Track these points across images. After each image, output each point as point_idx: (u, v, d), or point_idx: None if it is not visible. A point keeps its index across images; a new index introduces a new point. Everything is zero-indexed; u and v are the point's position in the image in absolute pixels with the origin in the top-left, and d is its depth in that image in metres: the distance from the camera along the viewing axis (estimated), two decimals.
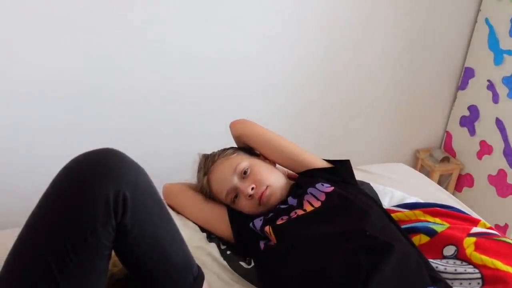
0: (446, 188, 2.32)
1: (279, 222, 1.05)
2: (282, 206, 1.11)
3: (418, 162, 2.45)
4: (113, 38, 1.65)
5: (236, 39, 1.84)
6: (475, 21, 2.18)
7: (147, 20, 1.67)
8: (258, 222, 1.10)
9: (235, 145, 1.33)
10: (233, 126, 1.30)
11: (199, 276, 0.88)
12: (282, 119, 2.07)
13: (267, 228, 1.05)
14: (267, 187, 1.14)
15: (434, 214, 1.15)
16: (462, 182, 2.38)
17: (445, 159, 2.34)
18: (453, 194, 2.25)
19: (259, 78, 1.96)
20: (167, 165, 1.72)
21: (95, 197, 0.71)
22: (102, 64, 1.67)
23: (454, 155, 2.40)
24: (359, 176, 1.34)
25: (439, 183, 2.27)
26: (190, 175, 1.31)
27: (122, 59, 1.70)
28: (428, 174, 2.31)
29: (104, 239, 0.72)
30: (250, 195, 1.13)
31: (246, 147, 1.31)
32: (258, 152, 1.29)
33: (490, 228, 1.12)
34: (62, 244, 0.70)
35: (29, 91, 1.62)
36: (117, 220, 0.73)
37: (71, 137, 1.74)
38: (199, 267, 0.90)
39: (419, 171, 1.95)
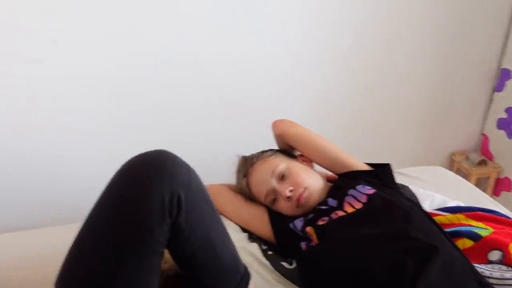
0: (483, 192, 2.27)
1: (320, 223, 1.06)
2: (322, 207, 1.12)
3: (454, 166, 2.41)
4: (150, 39, 1.69)
5: (265, 41, 1.85)
6: (511, 21, 2.14)
7: (179, 22, 1.70)
8: (298, 223, 1.12)
9: (268, 147, 1.35)
10: (274, 125, 1.31)
11: (246, 276, 0.90)
12: (313, 121, 2.06)
13: (308, 229, 1.06)
14: (305, 189, 1.15)
15: (477, 218, 1.14)
16: (500, 186, 2.33)
17: (482, 162, 2.30)
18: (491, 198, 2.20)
19: (289, 80, 1.97)
20: (203, 167, 1.75)
21: (152, 197, 0.74)
22: (143, 65, 1.71)
23: (491, 158, 2.35)
24: (396, 178, 1.33)
25: (476, 187, 2.23)
26: (228, 176, 1.33)
27: (161, 61, 1.73)
28: (465, 177, 2.26)
29: (160, 237, 0.75)
30: (288, 197, 1.15)
31: (284, 149, 1.32)
32: (298, 153, 1.31)
33: None
34: (122, 242, 0.73)
35: (73, 92, 1.67)
36: (172, 219, 0.76)
37: (109, 138, 1.78)
38: (245, 267, 0.92)
39: None
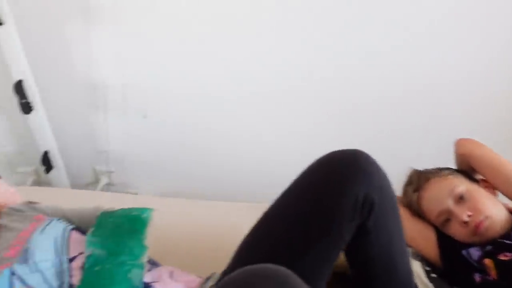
0: None
1: (502, 257, 0.97)
2: (506, 242, 1.02)
3: None
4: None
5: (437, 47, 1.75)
6: None
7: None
8: (475, 252, 1.04)
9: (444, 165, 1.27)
10: (460, 143, 1.24)
11: None
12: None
13: (487, 261, 0.98)
14: (486, 217, 1.06)
15: None
16: None
17: None
18: None
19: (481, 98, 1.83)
20: None
21: (346, 194, 0.76)
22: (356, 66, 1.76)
23: None
24: None
25: None
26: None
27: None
28: None
29: (346, 234, 0.78)
30: (465, 222, 1.07)
31: (464, 170, 1.24)
32: (481, 177, 1.21)
33: None
34: (310, 232, 0.77)
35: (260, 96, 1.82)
36: (362, 220, 0.77)
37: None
38: (416, 285, 0.89)
39: None
